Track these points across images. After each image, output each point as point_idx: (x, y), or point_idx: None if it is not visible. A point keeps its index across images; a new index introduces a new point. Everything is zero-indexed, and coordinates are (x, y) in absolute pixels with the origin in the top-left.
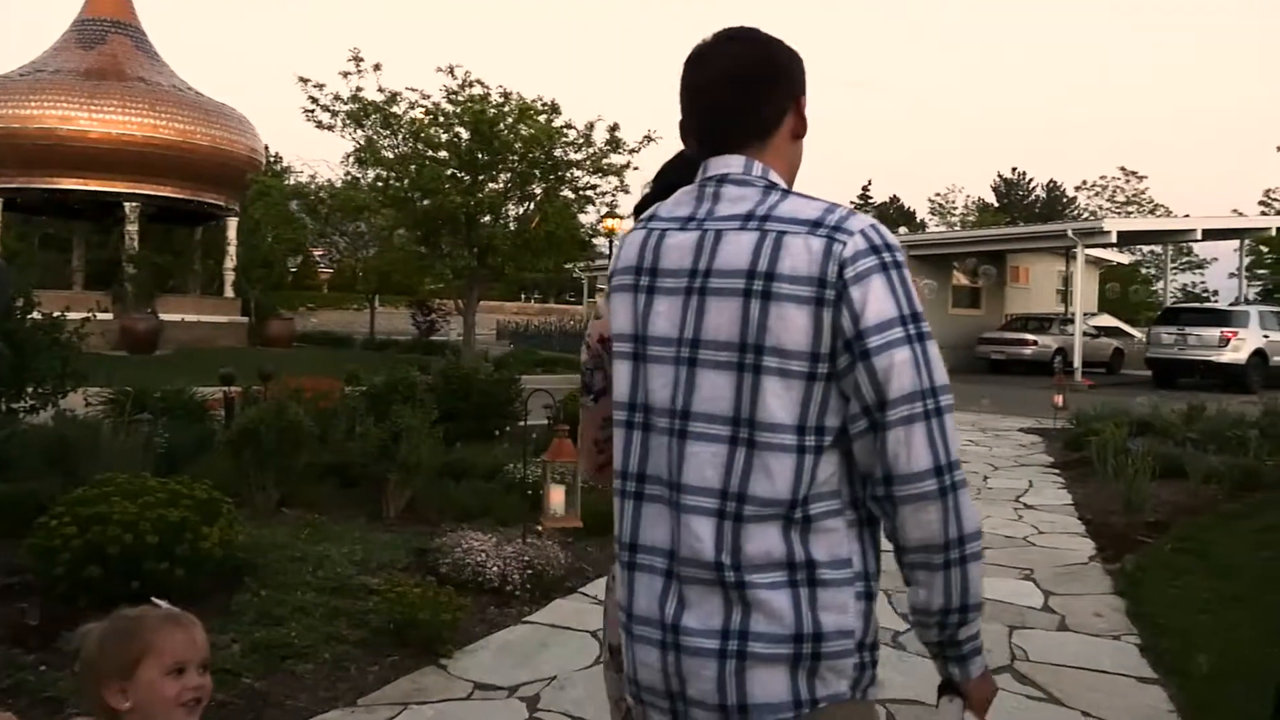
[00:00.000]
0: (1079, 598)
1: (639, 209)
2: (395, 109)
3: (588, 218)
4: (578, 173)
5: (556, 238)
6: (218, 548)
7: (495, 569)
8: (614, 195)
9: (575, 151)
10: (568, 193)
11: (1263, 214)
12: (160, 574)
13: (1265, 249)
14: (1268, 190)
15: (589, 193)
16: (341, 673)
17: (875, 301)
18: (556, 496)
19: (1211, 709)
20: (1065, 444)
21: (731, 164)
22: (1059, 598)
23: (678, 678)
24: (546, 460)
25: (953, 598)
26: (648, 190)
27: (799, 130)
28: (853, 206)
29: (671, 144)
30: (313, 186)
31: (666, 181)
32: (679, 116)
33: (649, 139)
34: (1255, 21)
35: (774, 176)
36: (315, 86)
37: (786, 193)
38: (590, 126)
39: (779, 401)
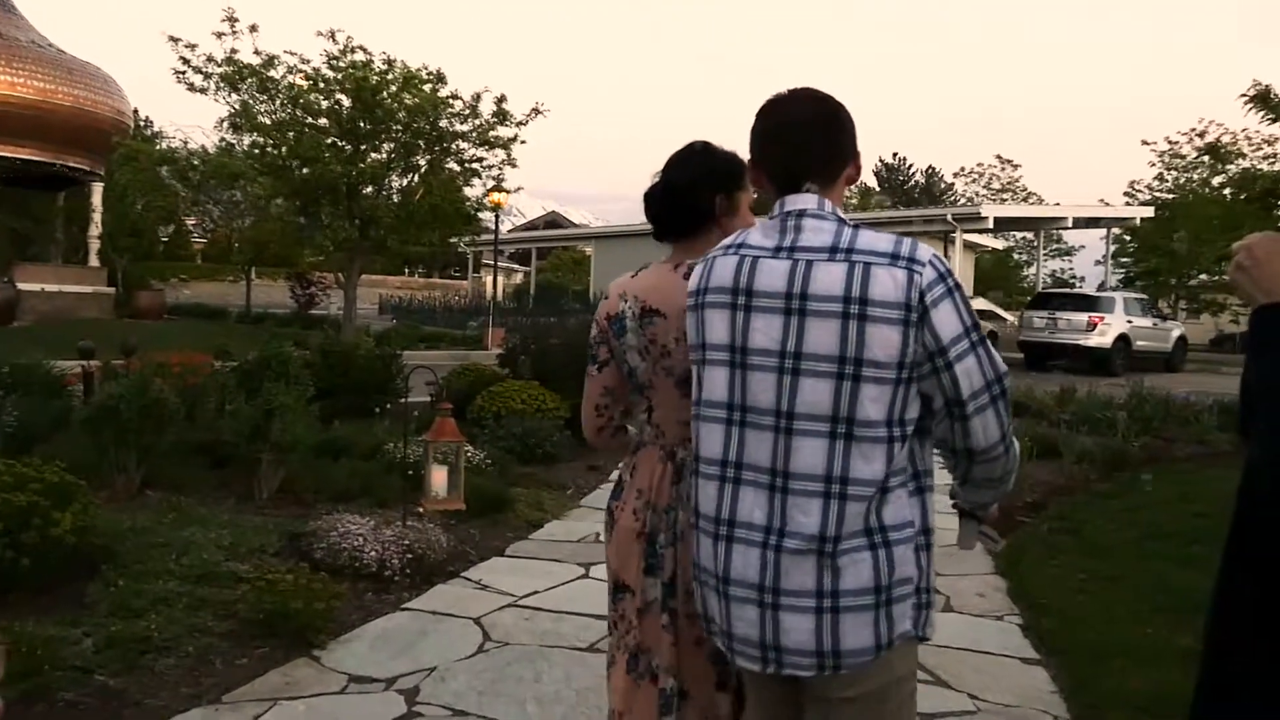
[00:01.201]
0: (963, 578)
1: (649, 198)
2: (273, 73)
3: (473, 191)
4: (463, 145)
5: (441, 210)
6: (70, 535)
7: (373, 553)
8: (501, 168)
9: (461, 123)
10: (453, 165)
11: (1127, 204)
12: (4, 564)
13: (1129, 237)
14: (1132, 182)
15: (475, 165)
16: (206, 667)
17: (948, 321)
18: (438, 478)
19: (1091, 688)
20: None
21: (807, 201)
22: (943, 579)
23: (774, 631)
24: (428, 440)
25: (997, 497)
26: (656, 180)
27: (854, 177)
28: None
29: (558, 117)
30: (184, 152)
31: (674, 173)
32: (750, 157)
33: (536, 112)
34: (1123, 22)
35: (840, 212)
36: (187, 47)
37: (856, 227)
38: (477, 98)
39: (874, 403)
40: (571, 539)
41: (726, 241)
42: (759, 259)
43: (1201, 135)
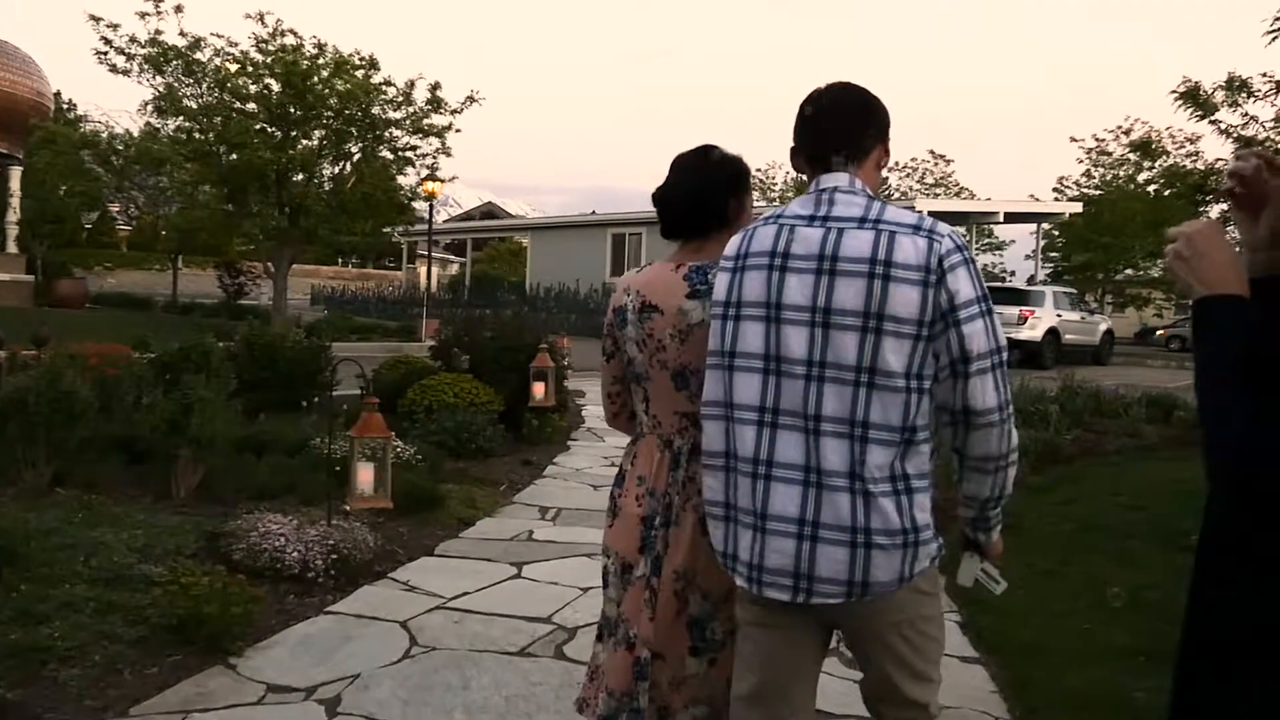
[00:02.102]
0: None
1: (667, 201)
2: (199, 56)
3: (407, 180)
4: (397, 132)
5: (374, 199)
6: None
7: (296, 554)
8: (435, 157)
9: (394, 110)
10: (386, 153)
11: (1056, 200)
12: None
13: (1057, 233)
14: (1061, 178)
15: (409, 154)
16: (113, 677)
17: (963, 286)
18: (365, 475)
19: (1030, 687)
20: None
21: (839, 179)
22: None
23: (809, 562)
24: (354, 436)
25: (995, 491)
26: (708, 176)
27: (883, 161)
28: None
29: (495, 107)
30: (106, 136)
31: (691, 177)
32: (792, 143)
33: (472, 100)
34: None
35: (869, 190)
36: (109, 27)
37: (883, 203)
38: (411, 85)
39: (894, 355)
40: (504, 537)
41: (766, 214)
42: (795, 227)
43: (1127, 133)
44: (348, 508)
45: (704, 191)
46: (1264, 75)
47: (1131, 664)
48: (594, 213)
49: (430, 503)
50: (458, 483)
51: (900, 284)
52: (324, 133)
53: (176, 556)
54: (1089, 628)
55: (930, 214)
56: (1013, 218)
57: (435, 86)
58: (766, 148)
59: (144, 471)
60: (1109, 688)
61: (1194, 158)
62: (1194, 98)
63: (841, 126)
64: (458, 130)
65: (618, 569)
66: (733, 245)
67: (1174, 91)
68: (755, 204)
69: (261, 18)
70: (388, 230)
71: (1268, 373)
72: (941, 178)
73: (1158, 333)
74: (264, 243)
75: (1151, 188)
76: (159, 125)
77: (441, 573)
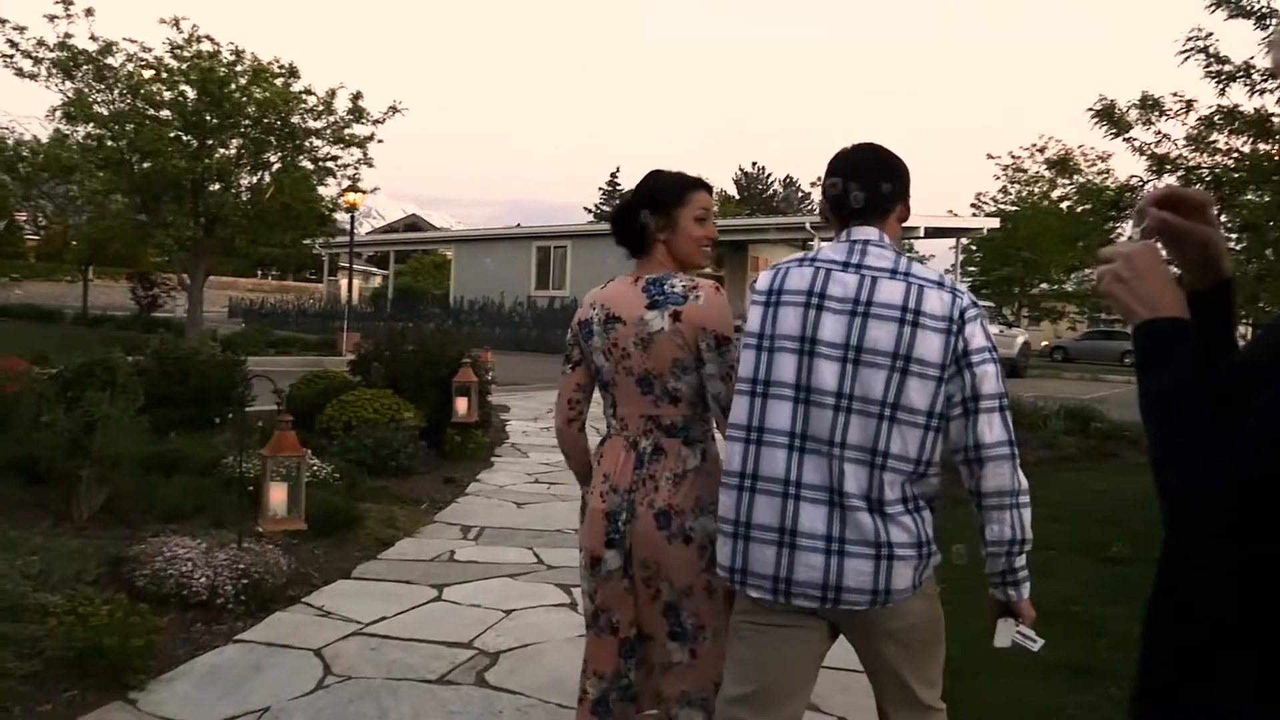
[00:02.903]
0: None
1: (613, 217)
2: (111, 61)
3: (328, 191)
4: (318, 142)
5: (293, 210)
6: None
7: (204, 579)
8: (357, 168)
9: (315, 119)
10: (307, 163)
11: (974, 215)
12: None
13: (975, 248)
14: (979, 194)
15: (330, 164)
16: (3, 715)
17: (977, 335)
18: (278, 495)
19: (953, 705)
20: None
21: (870, 234)
22: None
23: (838, 575)
24: (266, 455)
25: (1017, 531)
26: (628, 199)
27: (904, 216)
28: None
29: (418, 116)
30: (12, 142)
31: (643, 195)
32: (822, 196)
33: (394, 110)
34: (966, 44)
35: (894, 245)
36: (15, 29)
37: (909, 259)
38: (332, 94)
39: (918, 395)
40: (424, 558)
41: (798, 256)
42: (831, 271)
43: (1042, 150)
44: (260, 529)
45: (622, 214)
46: (1175, 95)
47: (1056, 679)
48: (519, 226)
49: (347, 523)
50: (377, 501)
51: (928, 331)
52: (242, 141)
53: (76, 583)
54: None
55: None
56: (933, 233)
57: (357, 96)
58: (692, 160)
59: (43, 493)
60: (1034, 704)
61: (1105, 175)
62: (1109, 115)
63: (873, 186)
64: (380, 141)
65: (587, 562)
66: (765, 281)
67: (1090, 109)
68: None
69: (177, 23)
70: (308, 242)
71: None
72: None
73: (1043, 343)
74: (179, 254)
75: (1065, 204)
76: (69, 132)
77: (358, 596)
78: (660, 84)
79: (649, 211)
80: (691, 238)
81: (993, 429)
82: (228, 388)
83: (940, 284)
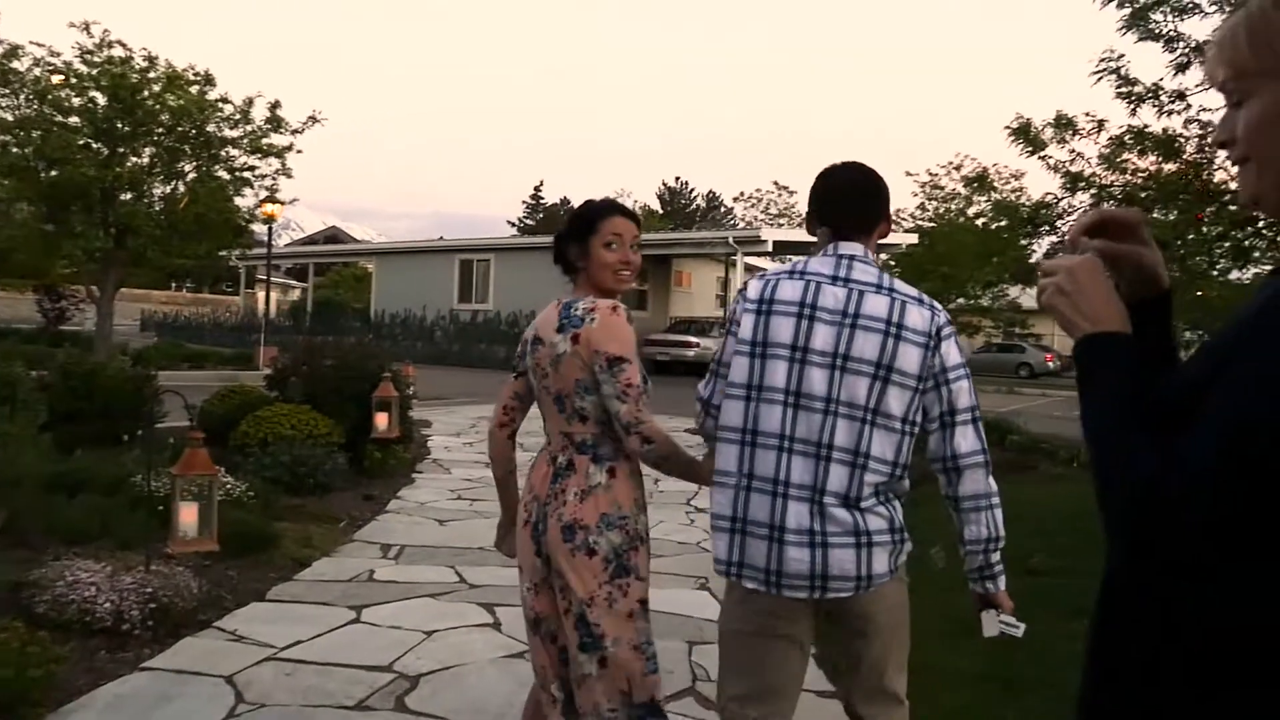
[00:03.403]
0: None
1: (559, 239)
2: (16, 64)
3: (245, 201)
4: (234, 151)
5: (209, 221)
6: None
7: (109, 604)
8: (275, 178)
9: (231, 128)
10: (223, 173)
11: (894, 231)
12: None
13: (895, 263)
14: (897, 210)
15: (247, 174)
16: None
17: (952, 353)
18: (188, 515)
19: None
20: None
21: (855, 249)
22: None
23: (823, 564)
24: (176, 474)
25: (992, 530)
26: (563, 230)
27: (884, 233)
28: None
29: (337, 126)
30: None
31: (566, 225)
32: (809, 210)
33: (314, 120)
34: (887, 61)
35: (876, 261)
36: None
37: (890, 275)
38: (249, 102)
39: (895, 401)
40: (342, 578)
41: (786, 268)
42: (821, 284)
43: (958, 168)
44: (170, 551)
45: (555, 244)
46: (1087, 115)
47: (987, 692)
48: (441, 239)
49: (262, 543)
50: (294, 520)
51: (908, 344)
52: (155, 150)
53: None
54: (934, 657)
55: (776, 244)
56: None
57: (275, 105)
58: (618, 174)
59: None
60: (960, 713)
61: (1018, 193)
62: (1025, 134)
63: (857, 205)
64: (299, 151)
65: (521, 572)
66: (755, 290)
67: (1008, 127)
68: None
69: (87, 27)
70: (224, 253)
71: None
72: (785, 208)
73: None
74: (88, 265)
75: (980, 221)
76: None
77: (273, 620)
78: (585, 97)
79: (570, 241)
80: (602, 264)
81: (968, 439)
82: (137, 404)
83: (920, 300)
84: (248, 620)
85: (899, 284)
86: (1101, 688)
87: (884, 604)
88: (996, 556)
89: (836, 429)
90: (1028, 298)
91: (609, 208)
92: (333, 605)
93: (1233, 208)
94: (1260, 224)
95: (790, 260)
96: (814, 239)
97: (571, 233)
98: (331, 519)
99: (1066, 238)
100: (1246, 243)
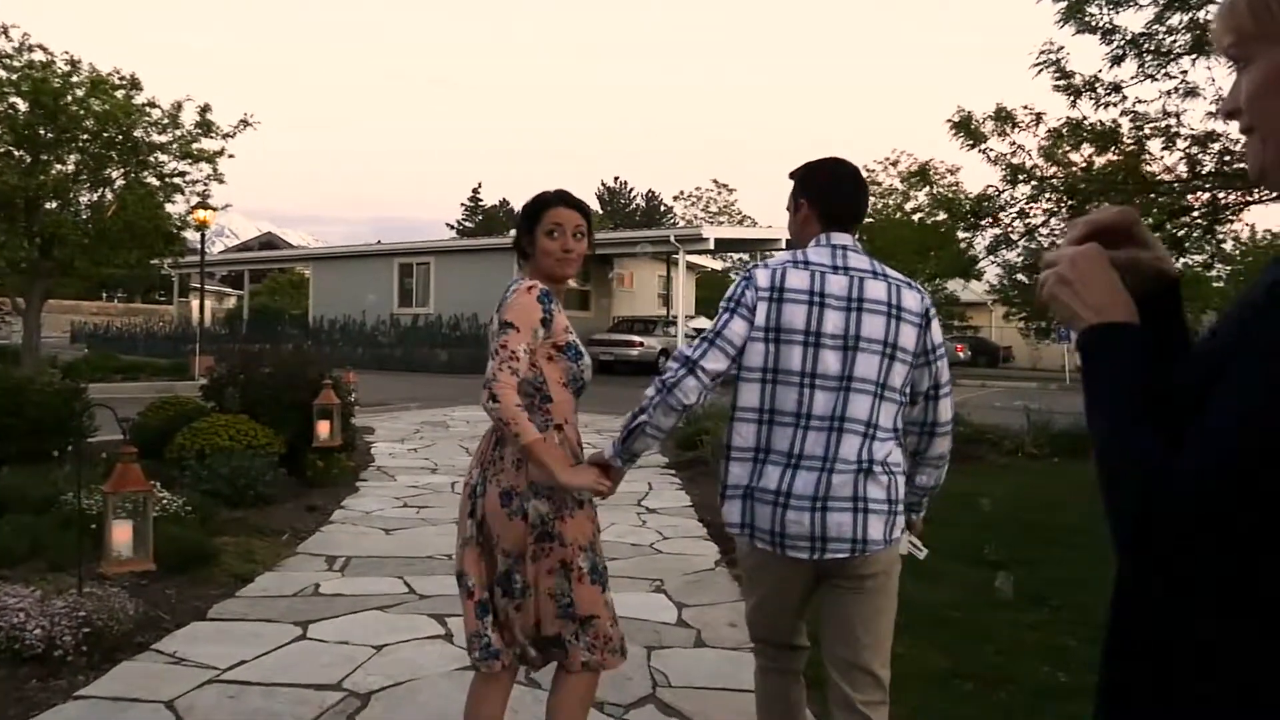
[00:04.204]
0: (711, 607)
1: (518, 238)
2: None
3: (176, 208)
4: (163, 157)
5: (138, 229)
6: None
7: (39, 630)
8: (206, 184)
9: (160, 133)
10: (152, 179)
11: None
12: None
13: None
14: None
15: (177, 180)
16: None
17: (938, 332)
18: (122, 534)
19: None
20: (678, 443)
21: (846, 239)
22: (691, 609)
23: (822, 527)
24: (107, 492)
25: (937, 481)
26: (517, 221)
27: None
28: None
29: (271, 130)
30: None
31: (526, 214)
32: (804, 197)
33: (245, 123)
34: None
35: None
36: None
37: (879, 261)
38: (178, 106)
39: (898, 376)
40: (287, 593)
41: (787, 258)
42: (824, 273)
43: (895, 164)
44: (103, 572)
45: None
46: (1025, 108)
47: (954, 689)
48: (380, 242)
49: (202, 559)
50: (234, 535)
51: (907, 324)
52: (80, 157)
53: None
54: (900, 652)
55: (718, 241)
56: (793, 244)
57: (205, 109)
58: (558, 175)
59: None
60: (930, 713)
61: (954, 188)
62: (966, 126)
63: (853, 196)
64: (231, 156)
65: (459, 532)
66: (765, 279)
67: (949, 120)
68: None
69: (5, 31)
70: (155, 262)
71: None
72: (725, 205)
73: None
74: (12, 276)
75: (917, 216)
76: None
77: (215, 640)
78: (525, 99)
79: (520, 231)
80: (544, 251)
81: (947, 410)
82: (67, 418)
83: (909, 284)
84: (188, 641)
85: (889, 270)
86: (1115, 704)
87: (872, 569)
88: (927, 499)
89: (850, 403)
90: (967, 291)
91: (553, 198)
92: (277, 622)
93: (1163, 199)
94: (1195, 213)
95: (785, 253)
96: (757, 235)
97: (521, 223)
98: (274, 532)
99: (1044, 259)
100: (1179, 234)
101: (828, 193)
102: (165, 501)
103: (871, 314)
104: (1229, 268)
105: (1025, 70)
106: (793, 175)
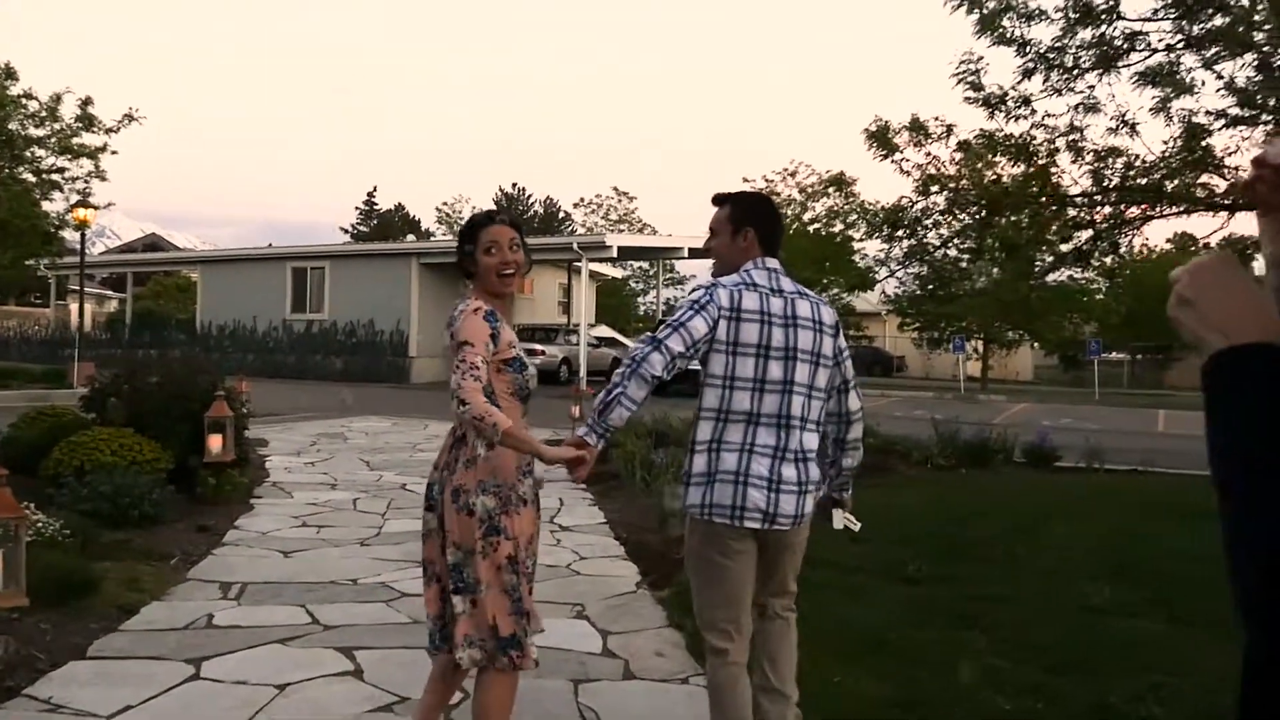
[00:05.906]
0: (637, 634)
1: (460, 260)
2: None
3: (54, 206)
4: (41, 152)
5: (13, 227)
6: None
7: None
8: (87, 181)
9: (37, 126)
10: (28, 175)
11: None
12: None
13: None
14: None
15: (55, 176)
16: None
17: (842, 338)
18: None
19: None
20: None
21: (775, 264)
22: (617, 637)
23: (774, 504)
24: None
25: (857, 461)
26: (458, 244)
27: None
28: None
29: (157, 127)
30: None
31: (464, 236)
32: (743, 221)
33: (130, 118)
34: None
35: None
36: None
37: (796, 282)
38: (57, 99)
39: (824, 378)
40: (177, 625)
41: (738, 279)
42: (767, 295)
43: (793, 175)
44: None
45: (459, 255)
46: (937, 119)
47: (890, 717)
48: (271, 246)
49: (81, 588)
50: (118, 559)
51: (826, 335)
52: None
53: None
54: (839, 680)
55: (620, 249)
56: (696, 253)
57: (86, 102)
58: (453, 180)
59: None
60: None
61: (852, 199)
62: (882, 137)
63: (780, 228)
64: (114, 152)
65: (423, 525)
66: (726, 299)
67: (866, 130)
68: (443, 239)
69: None
70: (31, 262)
71: None
72: (626, 213)
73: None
74: None
75: (813, 227)
76: None
77: (96, 682)
78: (419, 101)
79: (463, 254)
80: (486, 268)
81: (856, 400)
82: None
83: (823, 301)
84: (65, 684)
85: (806, 290)
86: None
87: (800, 535)
88: (850, 479)
89: (791, 403)
90: (861, 301)
91: (484, 219)
92: (167, 659)
93: (1072, 211)
94: (1102, 225)
95: (761, 270)
96: (660, 243)
97: (461, 245)
98: (161, 556)
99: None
100: (1084, 246)
101: (769, 223)
102: (40, 524)
103: (803, 329)
104: (1107, 282)
105: (945, 80)
106: (723, 201)
